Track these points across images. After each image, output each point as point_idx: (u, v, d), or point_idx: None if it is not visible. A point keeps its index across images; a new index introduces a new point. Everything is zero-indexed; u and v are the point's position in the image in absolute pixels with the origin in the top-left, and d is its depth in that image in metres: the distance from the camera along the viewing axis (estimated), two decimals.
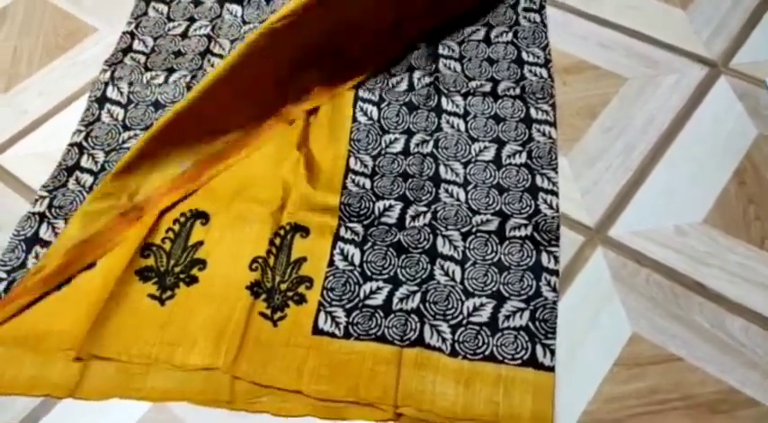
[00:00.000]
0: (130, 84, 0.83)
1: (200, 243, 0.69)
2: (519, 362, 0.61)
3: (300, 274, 0.67)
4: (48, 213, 0.72)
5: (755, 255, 0.68)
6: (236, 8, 0.92)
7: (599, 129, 0.78)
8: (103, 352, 0.62)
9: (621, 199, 0.72)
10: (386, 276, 0.66)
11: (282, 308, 0.65)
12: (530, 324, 0.63)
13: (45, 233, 0.70)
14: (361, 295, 0.65)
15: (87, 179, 0.75)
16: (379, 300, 0.65)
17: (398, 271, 0.66)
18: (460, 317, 0.64)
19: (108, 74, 0.84)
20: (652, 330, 0.63)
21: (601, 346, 0.63)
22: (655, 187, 0.73)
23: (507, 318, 0.63)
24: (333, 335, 0.63)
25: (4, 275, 0.68)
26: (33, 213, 0.72)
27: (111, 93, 0.82)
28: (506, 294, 0.65)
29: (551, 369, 0.61)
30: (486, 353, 0.62)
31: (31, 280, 0.66)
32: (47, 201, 0.73)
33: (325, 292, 0.66)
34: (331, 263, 0.67)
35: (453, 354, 0.62)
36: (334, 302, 0.65)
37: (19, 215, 0.73)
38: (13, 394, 0.62)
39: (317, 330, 0.64)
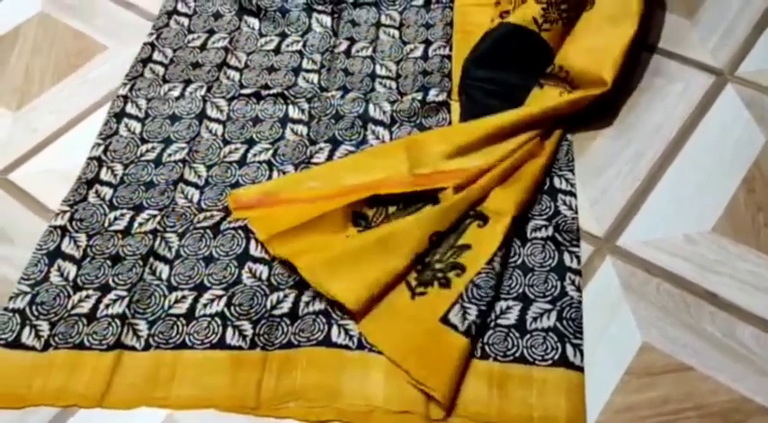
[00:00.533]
0: (148, 99, 0.84)
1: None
2: (550, 362, 0.61)
3: (457, 260, 0.66)
4: (69, 227, 0.72)
5: (765, 262, 0.67)
6: (254, 21, 0.93)
7: (607, 138, 0.78)
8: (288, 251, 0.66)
9: (630, 208, 0.72)
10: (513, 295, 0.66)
11: (427, 285, 0.65)
12: (557, 324, 0.63)
13: (67, 247, 0.71)
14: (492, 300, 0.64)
15: (107, 192, 0.76)
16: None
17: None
18: (489, 321, 0.64)
19: (127, 88, 0.86)
20: (663, 340, 0.63)
21: (611, 355, 0.62)
22: (663, 196, 0.73)
23: (535, 320, 0.63)
24: (456, 328, 0.62)
25: (27, 289, 0.68)
26: (55, 227, 0.73)
27: (130, 108, 0.84)
28: (532, 297, 0.65)
29: (581, 369, 0.61)
30: (517, 355, 0.61)
31: (300, 194, 0.72)
32: (68, 214, 0.74)
33: (471, 287, 0.64)
34: (490, 261, 0.65)
35: (484, 356, 0.62)
36: (473, 300, 0.63)
37: (30, 231, 0.74)
38: (42, 405, 0.62)
39: (445, 318, 0.62)
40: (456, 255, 0.67)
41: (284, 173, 0.77)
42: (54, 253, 0.71)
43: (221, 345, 0.64)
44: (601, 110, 0.80)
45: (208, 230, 0.72)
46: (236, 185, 0.76)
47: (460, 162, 0.73)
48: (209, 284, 0.68)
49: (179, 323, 0.66)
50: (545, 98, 0.78)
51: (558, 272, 0.66)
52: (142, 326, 0.65)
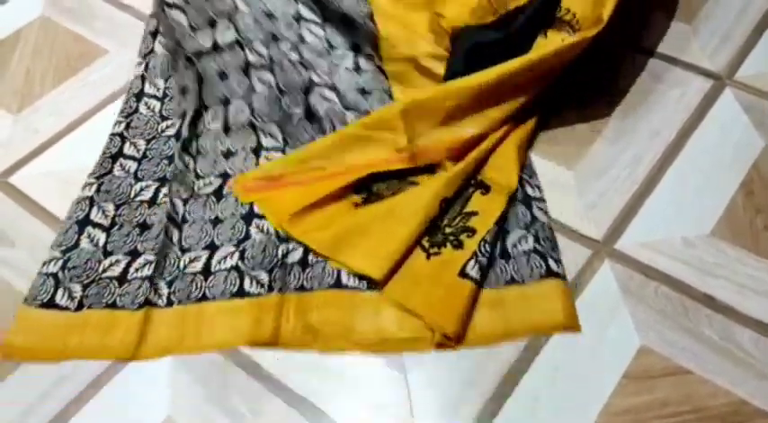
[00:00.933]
0: (166, 79, 0.87)
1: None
2: (538, 277, 0.67)
3: (467, 224, 0.70)
4: (96, 197, 0.76)
5: (764, 266, 0.68)
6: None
7: (604, 142, 0.78)
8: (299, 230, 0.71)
9: (628, 211, 0.72)
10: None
11: (440, 246, 0.69)
12: (536, 245, 0.69)
13: (96, 216, 0.74)
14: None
15: (131, 165, 0.79)
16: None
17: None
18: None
19: (142, 67, 0.89)
20: (661, 343, 0.63)
21: (609, 358, 0.62)
22: (662, 200, 0.73)
23: (515, 246, 0.69)
24: (474, 280, 0.66)
25: (59, 255, 0.71)
26: (83, 198, 0.76)
27: (148, 88, 0.87)
28: (509, 229, 0.71)
29: (565, 277, 0.67)
30: (507, 278, 0.67)
31: (305, 175, 0.75)
32: (95, 186, 0.77)
33: (483, 243, 0.68)
34: (497, 222, 0.70)
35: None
36: (485, 254, 0.68)
37: (31, 233, 0.74)
38: (78, 359, 0.65)
39: (463, 273, 0.66)
40: (465, 220, 0.71)
41: (267, 132, 0.81)
42: (83, 221, 0.74)
43: (240, 293, 0.68)
44: (599, 113, 0.80)
45: (211, 196, 0.76)
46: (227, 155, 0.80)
47: (455, 131, 0.76)
48: (219, 244, 0.72)
49: (197, 280, 0.69)
50: (547, 43, 0.79)
51: (525, 202, 0.72)
52: (162, 285, 0.69)
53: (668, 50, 0.87)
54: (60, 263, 0.71)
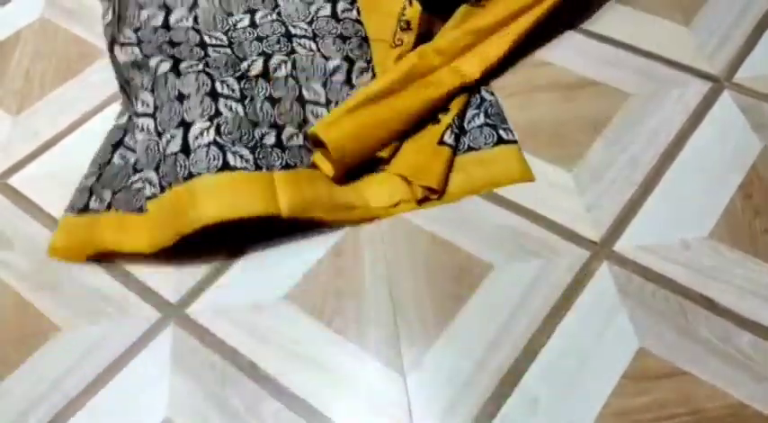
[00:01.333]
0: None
1: None
2: (491, 144, 0.79)
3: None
4: (128, 126, 0.80)
5: (763, 268, 0.68)
6: None
7: (603, 144, 0.79)
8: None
9: (627, 213, 0.73)
10: None
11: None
12: (486, 120, 0.81)
13: (130, 141, 0.79)
14: None
15: (149, 100, 0.80)
16: None
17: None
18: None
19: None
20: (659, 345, 0.63)
21: (608, 360, 0.62)
22: (660, 201, 0.73)
23: (469, 122, 0.81)
24: (450, 145, 0.78)
25: (95, 170, 0.77)
26: (118, 126, 0.81)
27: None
28: (464, 110, 0.82)
29: (515, 141, 0.79)
30: (467, 147, 0.79)
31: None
32: (126, 116, 0.82)
33: (455, 118, 0.80)
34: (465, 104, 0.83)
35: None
36: (456, 126, 0.80)
37: (29, 235, 0.74)
38: (103, 250, 0.72)
39: (441, 141, 0.78)
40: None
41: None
42: (117, 143, 0.79)
43: (227, 167, 0.70)
44: (597, 117, 0.81)
45: (169, 74, 0.79)
46: None
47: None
48: (190, 120, 0.74)
49: (179, 158, 0.71)
50: None
51: (476, 90, 0.84)
52: (152, 175, 0.73)
53: (666, 52, 0.87)
54: (94, 177, 0.77)
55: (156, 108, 0.77)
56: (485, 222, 0.73)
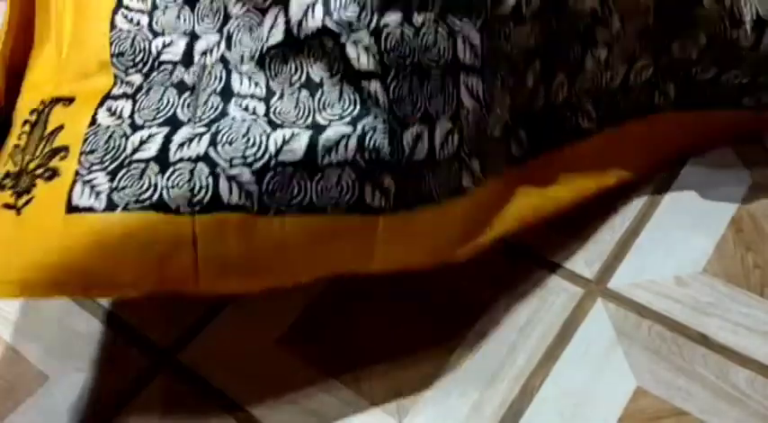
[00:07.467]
0: None
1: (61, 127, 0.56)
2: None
3: (54, 145, 0.54)
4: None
5: (757, 303, 0.68)
6: None
7: None
8: None
9: (620, 249, 0.73)
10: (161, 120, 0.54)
11: (29, 190, 0.52)
12: None
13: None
14: (129, 149, 0.52)
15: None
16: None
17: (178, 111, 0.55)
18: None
19: None
20: (656, 384, 0.63)
21: (605, 400, 0.62)
22: (653, 237, 0.73)
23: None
24: (92, 209, 0.50)
25: None
26: None
27: None
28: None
29: None
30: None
31: None
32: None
33: (83, 156, 0.52)
34: (92, 122, 0.54)
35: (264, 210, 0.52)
36: (94, 168, 0.52)
37: None
38: None
39: (71, 208, 0.50)
40: (50, 142, 0.55)
41: None
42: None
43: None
44: None
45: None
46: None
47: None
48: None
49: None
50: None
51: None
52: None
53: None
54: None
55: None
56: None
